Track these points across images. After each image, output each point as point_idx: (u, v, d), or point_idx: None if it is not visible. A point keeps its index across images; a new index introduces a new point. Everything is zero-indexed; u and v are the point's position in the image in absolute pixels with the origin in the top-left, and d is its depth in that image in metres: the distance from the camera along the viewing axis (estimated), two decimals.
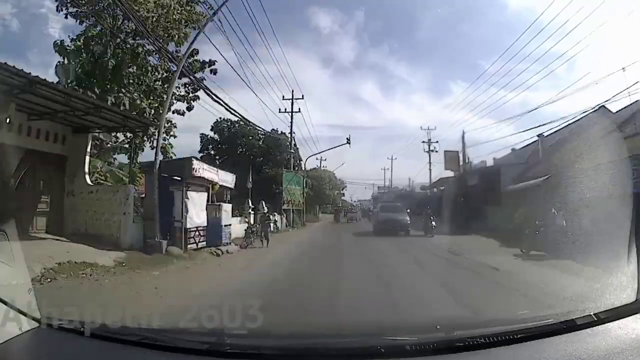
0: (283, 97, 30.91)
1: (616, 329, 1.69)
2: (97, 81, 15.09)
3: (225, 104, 18.25)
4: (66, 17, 15.20)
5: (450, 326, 2.11)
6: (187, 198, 11.60)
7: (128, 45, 15.59)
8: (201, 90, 17.40)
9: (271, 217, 18.49)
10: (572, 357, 1.52)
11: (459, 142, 31.41)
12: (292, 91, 31.27)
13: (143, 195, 12.41)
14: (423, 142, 41.79)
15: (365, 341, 1.87)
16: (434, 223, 19.44)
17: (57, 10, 15.18)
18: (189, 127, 53.27)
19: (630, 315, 1.77)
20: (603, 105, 16.87)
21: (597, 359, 1.51)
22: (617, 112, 17.36)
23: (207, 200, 13.47)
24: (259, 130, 30.58)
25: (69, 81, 14.57)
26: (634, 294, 2.01)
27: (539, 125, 31.15)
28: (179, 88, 17.18)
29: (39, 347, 1.74)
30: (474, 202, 23.84)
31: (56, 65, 15.54)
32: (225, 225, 13.63)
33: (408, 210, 22.88)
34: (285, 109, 31.00)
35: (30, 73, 7.82)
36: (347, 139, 34.67)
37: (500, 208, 20.36)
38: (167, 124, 16.50)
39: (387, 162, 70.22)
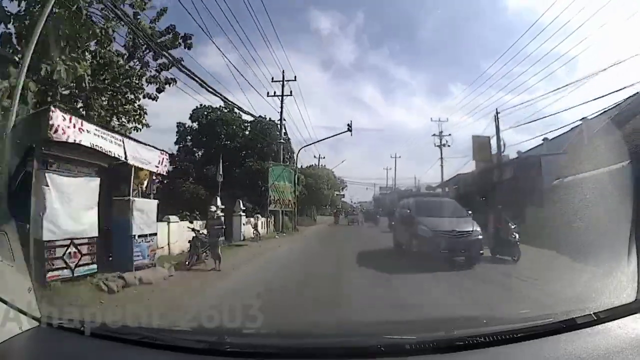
0: (272, 78, 25.85)
1: (616, 329, 1.69)
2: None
3: (205, 82, 15.45)
4: None
5: (450, 325, 2.12)
6: (48, 185, 6.35)
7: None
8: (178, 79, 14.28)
9: (224, 219, 13.10)
10: (572, 357, 1.52)
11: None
12: (283, 71, 26.33)
13: None
14: (434, 135, 36.08)
15: (365, 340, 1.87)
16: (516, 236, 10.59)
17: None
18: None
19: (630, 315, 1.77)
20: None
21: (597, 359, 1.51)
22: None
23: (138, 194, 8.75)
24: (243, 114, 24.76)
25: None
26: (634, 293, 2.01)
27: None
28: (149, 69, 13.89)
29: (39, 347, 1.75)
30: (506, 201, 15.87)
31: None
32: (143, 236, 8.36)
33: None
34: (275, 92, 25.90)
35: None
36: (347, 125, 28.38)
37: (547, 209, 14.73)
38: (137, 109, 13.82)
39: (388, 162, 68.24)
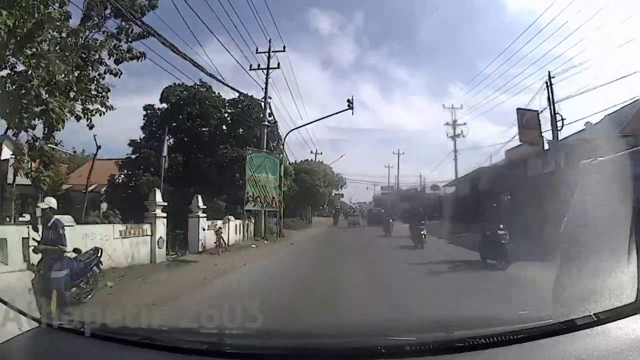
0: (257, 50, 21.29)
1: (616, 329, 1.69)
2: None
3: (175, 47, 12.98)
4: None
5: (450, 326, 2.12)
6: None
7: None
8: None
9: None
10: (572, 358, 1.52)
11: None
12: (270, 40, 21.75)
13: None
14: (446, 124, 31.88)
15: (365, 341, 1.87)
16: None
17: None
18: None
19: (630, 315, 1.77)
20: None
21: (597, 359, 1.51)
22: None
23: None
24: (225, 87, 20.88)
25: None
26: (634, 294, 2.01)
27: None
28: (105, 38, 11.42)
29: (39, 347, 1.75)
30: (545, 200, 12.25)
31: None
32: None
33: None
34: (259, 66, 21.15)
35: None
36: (348, 100, 22.27)
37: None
38: (94, 87, 11.09)
39: (391, 160, 61.87)
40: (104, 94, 11.18)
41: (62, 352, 1.78)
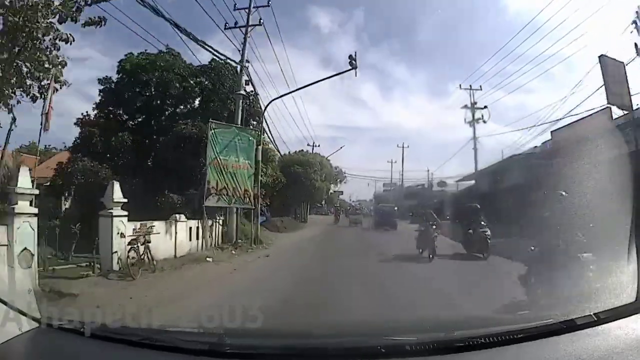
0: (234, 6, 16.51)
1: (616, 329, 1.69)
2: None
3: None
4: None
5: (450, 326, 2.12)
6: None
7: None
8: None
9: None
10: (572, 358, 1.52)
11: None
12: None
13: None
14: (465, 107, 25.92)
15: (365, 341, 1.87)
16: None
17: None
18: None
19: (630, 315, 1.77)
20: None
21: (597, 359, 1.51)
22: None
23: None
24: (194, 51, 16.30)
25: None
26: (634, 293, 2.01)
27: None
28: None
29: (39, 347, 1.75)
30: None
31: None
32: None
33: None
34: (236, 23, 16.35)
35: None
36: (350, 57, 15.73)
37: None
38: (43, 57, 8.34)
39: (392, 157, 58.97)
40: (59, 67, 8.78)
41: (62, 352, 1.78)
